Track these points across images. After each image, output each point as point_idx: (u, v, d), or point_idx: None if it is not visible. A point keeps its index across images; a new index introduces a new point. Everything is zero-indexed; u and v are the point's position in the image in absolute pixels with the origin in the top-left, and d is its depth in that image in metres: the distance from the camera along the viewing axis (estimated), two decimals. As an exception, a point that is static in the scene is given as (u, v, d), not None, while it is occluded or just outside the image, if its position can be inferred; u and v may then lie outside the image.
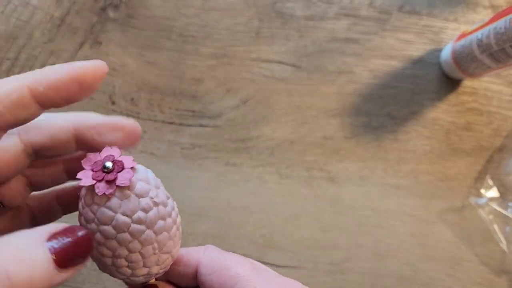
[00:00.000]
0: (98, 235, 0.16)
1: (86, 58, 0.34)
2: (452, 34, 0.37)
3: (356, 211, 0.34)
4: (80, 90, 0.18)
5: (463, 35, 0.34)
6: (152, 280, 0.20)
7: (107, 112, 0.33)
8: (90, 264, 0.31)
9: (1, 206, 0.19)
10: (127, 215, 0.16)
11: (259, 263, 0.20)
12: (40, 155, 0.18)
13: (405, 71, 0.36)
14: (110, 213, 0.16)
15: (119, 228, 0.16)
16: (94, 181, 0.16)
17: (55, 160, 0.20)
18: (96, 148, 0.18)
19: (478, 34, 0.32)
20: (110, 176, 0.16)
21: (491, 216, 0.34)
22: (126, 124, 0.19)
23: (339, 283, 0.32)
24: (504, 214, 0.34)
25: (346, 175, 0.34)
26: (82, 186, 0.16)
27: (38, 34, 0.34)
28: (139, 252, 0.17)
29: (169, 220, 0.18)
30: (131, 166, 0.17)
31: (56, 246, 0.14)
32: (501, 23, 0.29)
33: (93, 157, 0.17)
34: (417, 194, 0.34)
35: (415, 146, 0.35)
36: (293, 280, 0.20)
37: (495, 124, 0.36)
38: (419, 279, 0.33)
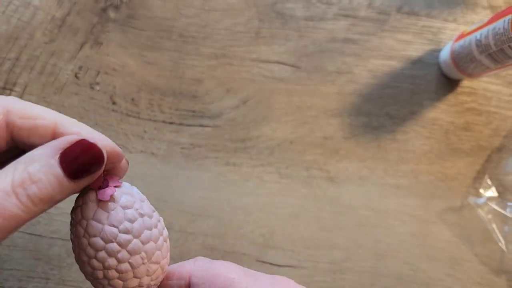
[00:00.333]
0: (88, 249, 0.18)
1: (87, 58, 0.34)
2: (451, 35, 0.37)
3: (356, 211, 0.34)
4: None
5: (462, 36, 0.34)
6: None
7: (108, 112, 0.34)
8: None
9: None
10: (113, 225, 0.17)
11: (247, 269, 0.21)
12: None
13: (404, 71, 0.36)
14: (98, 225, 0.17)
15: (107, 239, 0.17)
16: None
17: None
18: None
19: (477, 34, 0.32)
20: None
21: (490, 216, 0.34)
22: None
23: (338, 282, 0.32)
24: (503, 214, 0.34)
25: (345, 175, 0.34)
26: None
27: (39, 35, 0.34)
28: (128, 262, 0.18)
29: (155, 230, 0.19)
30: (115, 185, 0.18)
31: (66, 160, 0.16)
32: (500, 24, 0.29)
33: None
34: (417, 194, 0.34)
35: (415, 146, 0.35)
36: (284, 277, 0.21)
37: (494, 124, 0.36)
38: (419, 279, 0.33)
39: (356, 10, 0.37)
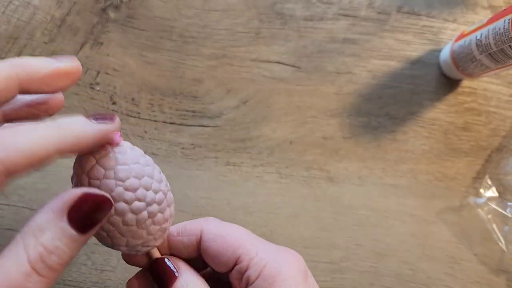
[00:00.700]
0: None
1: (87, 58, 0.34)
2: (451, 35, 0.37)
3: (355, 211, 0.34)
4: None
5: (462, 36, 0.34)
6: (156, 254, 0.21)
7: (108, 112, 0.34)
8: (90, 263, 0.31)
9: None
10: (125, 164, 0.18)
11: (255, 234, 0.21)
12: None
13: (404, 71, 0.36)
14: (101, 170, 0.18)
15: (116, 198, 0.18)
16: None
17: None
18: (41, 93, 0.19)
19: (477, 34, 0.32)
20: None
21: (490, 216, 0.34)
22: (70, 69, 0.19)
23: (338, 282, 0.32)
24: (502, 214, 0.34)
25: (345, 175, 0.34)
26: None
27: (39, 35, 0.34)
28: (135, 219, 0.19)
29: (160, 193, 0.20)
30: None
31: (75, 219, 0.16)
32: (500, 24, 0.29)
33: None
34: (416, 194, 0.34)
35: (414, 146, 0.35)
36: (288, 248, 0.22)
37: (493, 124, 0.36)
38: (418, 279, 0.33)
39: (356, 10, 0.37)
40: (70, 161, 0.19)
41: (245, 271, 0.19)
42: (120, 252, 0.21)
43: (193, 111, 0.34)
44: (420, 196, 0.34)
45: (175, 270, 0.20)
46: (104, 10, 0.35)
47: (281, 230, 0.33)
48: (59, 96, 0.21)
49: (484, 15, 0.38)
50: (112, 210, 0.18)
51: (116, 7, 0.35)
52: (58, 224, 0.15)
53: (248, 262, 0.19)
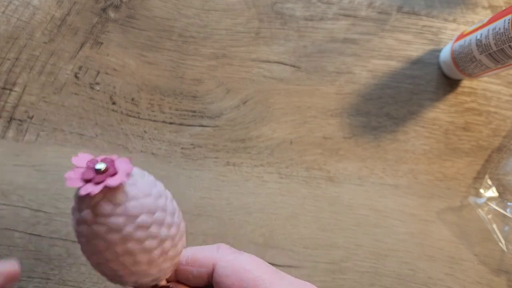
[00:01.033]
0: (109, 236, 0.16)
1: (87, 58, 0.34)
2: (451, 35, 0.37)
3: (355, 211, 0.34)
4: None
5: (462, 36, 0.34)
6: (163, 282, 0.19)
7: (108, 112, 0.34)
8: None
9: None
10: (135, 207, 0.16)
11: (273, 267, 0.20)
12: None
13: (404, 71, 0.36)
14: (110, 205, 0.16)
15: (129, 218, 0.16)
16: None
17: None
18: None
19: (477, 34, 0.32)
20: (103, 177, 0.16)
21: (490, 216, 0.34)
22: (11, 274, 0.19)
23: (338, 282, 0.32)
24: (502, 214, 0.34)
25: (345, 175, 0.34)
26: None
27: (39, 35, 0.34)
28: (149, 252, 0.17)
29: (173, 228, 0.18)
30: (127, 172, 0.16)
31: None
32: (500, 24, 0.29)
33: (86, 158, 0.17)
34: (416, 193, 0.34)
35: (414, 146, 0.35)
36: (309, 283, 0.20)
37: (494, 124, 0.36)
38: (418, 279, 0.33)
39: (356, 10, 0.37)
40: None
41: None
42: None
43: (193, 111, 0.34)
44: (420, 196, 0.34)
45: None
46: (104, 10, 0.35)
47: (281, 230, 0.33)
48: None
49: (484, 15, 0.38)
50: (121, 250, 0.16)
51: (116, 7, 0.35)
52: None
53: None
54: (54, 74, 0.34)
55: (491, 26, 0.30)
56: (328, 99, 0.35)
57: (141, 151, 0.33)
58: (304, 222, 0.33)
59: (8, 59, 0.33)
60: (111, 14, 0.35)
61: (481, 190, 0.34)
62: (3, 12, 0.34)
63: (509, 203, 0.34)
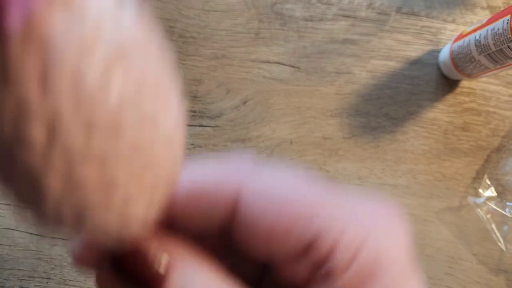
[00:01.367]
0: None
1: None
2: (450, 35, 0.37)
3: (355, 211, 0.34)
4: None
5: (461, 36, 0.34)
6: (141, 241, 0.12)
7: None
8: (91, 263, 0.31)
9: None
10: None
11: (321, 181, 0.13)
12: None
13: (403, 71, 0.36)
14: None
15: None
16: None
17: None
18: None
19: (476, 35, 0.32)
20: None
21: (489, 216, 0.34)
22: None
23: (338, 282, 0.32)
24: (501, 214, 0.34)
25: (344, 175, 0.34)
26: None
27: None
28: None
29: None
30: None
31: None
32: (499, 24, 0.29)
33: None
34: (415, 193, 0.34)
35: (413, 146, 0.35)
36: (383, 202, 0.13)
37: (493, 124, 0.36)
38: (417, 278, 0.33)
39: (355, 11, 0.37)
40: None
41: (326, 257, 0.11)
42: None
43: (193, 111, 0.34)
44: (419, 196, 0.34)
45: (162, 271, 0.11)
46: (104, 10, 0.35)
47: (280, 230, 0.33)
48: None
49: (483, 16, 0.38)
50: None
51: (117, 8, 0.35)
52: None
53: (332, 243, 0.11)
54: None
55: (490, 27, 0.30)
56: (327, 100, 0.35)
57: (142, 151, 0.33)
58: (304, 222, 0.33)
59: None
60: (112, 14, 0.35)
61: (480, 190, 0.35)
62: None
63: (508, 203, 0.34)
